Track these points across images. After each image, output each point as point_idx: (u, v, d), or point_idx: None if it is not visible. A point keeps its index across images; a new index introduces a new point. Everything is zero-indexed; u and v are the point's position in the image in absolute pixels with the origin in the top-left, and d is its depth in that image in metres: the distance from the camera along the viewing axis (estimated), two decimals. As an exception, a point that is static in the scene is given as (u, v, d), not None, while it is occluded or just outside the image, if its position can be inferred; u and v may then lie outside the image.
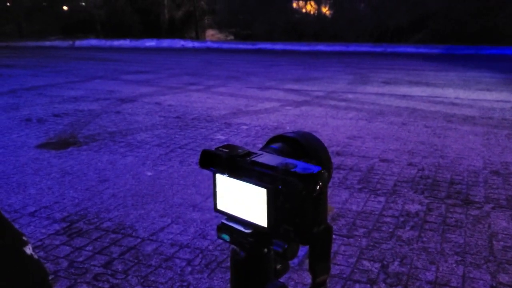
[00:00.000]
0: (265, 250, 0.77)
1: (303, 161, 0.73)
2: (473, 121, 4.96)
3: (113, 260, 2.13)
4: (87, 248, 2.25)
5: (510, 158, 3.65)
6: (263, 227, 0.70)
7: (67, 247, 2.25)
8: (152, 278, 1.99)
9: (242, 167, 0.71)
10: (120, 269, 2.06)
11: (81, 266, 2.09)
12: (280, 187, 0.66)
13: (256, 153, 0.74)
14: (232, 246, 0.79)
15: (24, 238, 0.51)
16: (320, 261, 0.70)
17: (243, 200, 0.72)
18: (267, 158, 0.73)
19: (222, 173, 0.73)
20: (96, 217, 2.57)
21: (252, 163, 0.70)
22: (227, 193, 0.74)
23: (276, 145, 0.77)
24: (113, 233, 2.39)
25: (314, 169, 0.66)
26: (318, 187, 0.65)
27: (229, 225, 0.74)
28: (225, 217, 0.77)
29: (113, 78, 8.02)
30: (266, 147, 0.79)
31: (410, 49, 14.35)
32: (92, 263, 2.12)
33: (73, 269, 2.06)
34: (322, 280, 0.72)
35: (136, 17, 18.59)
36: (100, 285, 1.94)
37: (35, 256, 0.51)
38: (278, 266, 0.81)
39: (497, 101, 6.14)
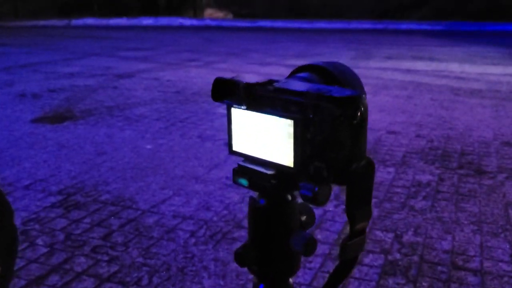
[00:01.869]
0: (289, 197, 0.66)
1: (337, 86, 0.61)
2: (481, 94, 4.83)
3: (112, 232, 2.03)
4: (85, 220, 2.14)
5: (520, 129, 3.54)
6: (288, 167, 0.58)
7: (64, 220, 2.15)
8: (154, 250, 1.89)
9: (263, 97, 0.59)
10: (120, 241, 1.96)
11: (78, 239, 1.98)
12: (311, 116, 0.55)
13: (279, 81, 0.62)
14: (251, 194, 0.68)
15: None
16: (360, 204, 0.59)
17: (265, 137, 0.60)
18: (294, 85, 0.61)
19: (239, 105, 0.61)
20: (94, 190, 2.46)
21: (275, 90, 0.58)
22: (245, 129, 0.62)
23: (302, 74, 0.65)
24: (112, 206, 2.28)
25: (353, 92, 0.54)
26: (359, 112, 0.54)
27: (247, 167, 0.63)
28: (242, 159, 0.65)
29: (110, 55, 7.86)
30: (290, 77, 0.67)
31: (412, 26, 14.12)
32: (90, 235, 2.01)
33: (70, 241, 1.96)
34: (361, 227, 0.61)
35: (133, -4, 18.28)
36: (98, 257, 1.84)
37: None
38: (303, 218, 0.69)
39: (504, 74, 6.00)
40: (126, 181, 2.57)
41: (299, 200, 0.70)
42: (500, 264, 1.74)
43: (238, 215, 2.16)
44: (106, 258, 1.84)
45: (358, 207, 0.59)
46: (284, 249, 0.66)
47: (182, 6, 18.49)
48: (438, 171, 2.67)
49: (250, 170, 0.62)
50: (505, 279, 1.65)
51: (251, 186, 0.63)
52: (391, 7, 15.96)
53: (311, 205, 0.62)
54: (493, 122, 3.77)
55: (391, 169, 2.71)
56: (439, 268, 1.72)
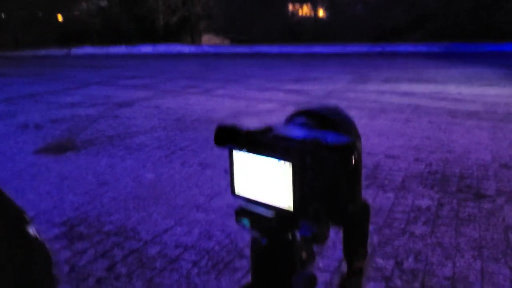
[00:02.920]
0: (290, 236, 0.69)
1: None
2: (478, 116, 4.88)
3: (116, 264, 2.04)
4: (89, 252, 2.16)
5: (518, 151, 3.57)
6: (288, 210, 0.61)
7: (68, 251, 2.16)
8: (158, 281, 1.90)
9: (263, 143, 0.63)
10: (123, 273, 1.97)
11: (83, 271, 2.00)
12: (308, 161, 0.58)
13: (277, 127, 0.65)
14: (253, 233, 0.71)
15: (26, 217, 0.42)
16: (356, 245, 0.62)
17: (265, 180, 0.63)
18: (291, 132, 0.64)
19: (240, 149, 0.64)
20: (97, 221, 2.48)
21: (274, 137, 0.62)
22: (246, 173, 0.65)
23: (299, 119, 0.68)
24: (115, 236, 2.30)
25: (347, 140, 0.58)
26: (353, 158, 0.57)
27: (248, 210, 0.66)
28: (244, 200, 0.68)
29: (110, 84, 7.94)
30: (288, 122, 0.70)
31: (409, 48, 14.30)
32: (94, 267, 2.03)
33: (74, 273, 1.97)
34: (358, 266, 0.64)
35: (131, 24, 18.54)
36: (102, 289, 1.85)
37: (40, 239, 0.42)
38: (304, 255, 0.72)
39: (501, 95, 6.07)
40: (128, 211, 2.59)
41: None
42: (501, 289, 1.76)
43: (239, 244, 2.18)
44: (110, 290, 1.85)
45: (355, 247, 0.61)
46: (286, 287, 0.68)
47: (180, 32, 18.73)
48: (437, 196, 2.70)
49: (252, 212, 0.65)
50: (507, 304, 1.66)
51: (253, 227, 0.66)
52: (386, 30, 16.18)
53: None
54: (491, 144, 3.80)
55: (390, 195, 2.73)
56: (441, 294, 1.73)
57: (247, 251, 2.11)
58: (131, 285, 1.88)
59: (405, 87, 7.04)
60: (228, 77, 8.56)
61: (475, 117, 4.84)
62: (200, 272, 1.95)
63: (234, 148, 0.66)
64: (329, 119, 0.66)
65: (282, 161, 0.60)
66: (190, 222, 2.45)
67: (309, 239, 0.61)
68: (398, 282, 1.82)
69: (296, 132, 0.63)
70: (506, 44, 13.65)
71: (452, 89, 6.67)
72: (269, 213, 0.63)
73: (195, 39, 18.50)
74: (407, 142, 3.88)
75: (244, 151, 0.64)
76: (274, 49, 15.24)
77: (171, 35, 18.18)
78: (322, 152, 0.56)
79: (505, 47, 13.50)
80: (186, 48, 16.22)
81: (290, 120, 0.69)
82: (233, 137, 0.64)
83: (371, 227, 2.29)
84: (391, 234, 2.23)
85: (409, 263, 1.97)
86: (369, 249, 2.12)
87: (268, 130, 0.63)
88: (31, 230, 0.40)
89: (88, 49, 16.25)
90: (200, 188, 2.93)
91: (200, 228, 2.36)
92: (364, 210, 0.59)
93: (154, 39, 17.31)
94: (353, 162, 0.56)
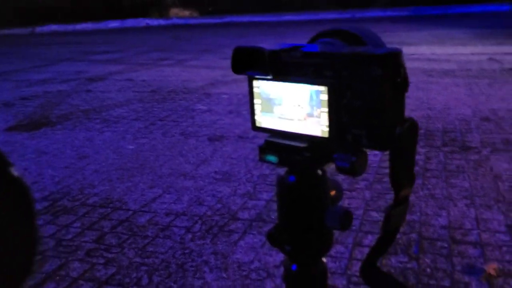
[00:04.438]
0: (320, 171, 0.63)
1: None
2: (453, 74, 4.91)
3: (105, 235, 1.98)
4: (75, 225, 2.09)
5: (496, 105, 3.61)
6: (323, 138, 0.56)
7: (53, 226, 2.08)
8: (151, 249, 1.85)
9: (290, 64, 0.56)
10: (114, 243, 1.91)
11: (70, 244, 1.93)
12: (346, 79, 0.52)
13: (305, 46, 0.59)
14: (279, 171, 0.65)
15: (8, 159, 0.36)
16: (405, 169, 0.57)
17: (294, 108, 0.57)
18: (323, 48, 0.58)
19: (264, 75, 0.58)
20: (81, 193, 2.40)
21: (304, 55, 0.56)
22: (270, 102, 0.59)
23: (326, 39, 0.62)
24: (101, 208, 2.23)
25: (393, 49, 0.52)
26: (401, 70, 0.52)
27: (276, 142, 0.60)
28: (268, 134, 0.63)
29: (79, 60, 7.70)
30: (313, 43, 0.64)
31: (378, 13, 14.27)
32: (82, 239, 1.96)
33: (62, 247, 1.91)
34: (406, 193, 0.59)
35: (97, 0, 17.94)
36: (94, 261, 1.79)
37: (24, 181, 0.36)
38: (332, 192, 0.67)
39: (473, 54, 6.11)
40: (113, 183, 2.51)
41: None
42: (498, 235, 1.77)
43: (232, 207, 2.14)
44: (102, 261, 1.79)
45: (404, 172, 0.56)
46: (317, 227, 0.63)
47: (146, 7, 18.24)
48: (423, 150, 2.70)
49: (280, 145, 0.59)
50: (504, 249, 1.67)
51: (281, 163, 0.60)
52: (356, -4, 16.09)
53: (346, 176, 0.60)
54: (469, 99, 3.83)
55: (377, 152, 2.72)
56: (439, 243, 1.73)
57: (241, 214, 2.07)
58: (123, 254, 1.83)
59: (379, 49, 7.02)
60: (201, 48, 8.40)
61: (451, 75, 4.86)
62: (194, 237, 1.91)
63: (255, 75, 0.59)
64: (360, 37, 0.59)
65: (315, 86, 0.54)
66: (178, 189, 2.39)
67: (347, 170, 0.56)
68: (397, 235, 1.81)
69: (329, 48, 0.57)
70: (474, 6, 13.77)
71: (425, 50, 6.69)
72: (301, 144, 0.57)
73: (163, 13, 18.07)
74: (387, 102, 3.87)
75: (268, 78, 0.58)
76: (245, 18, 15.01)
77: (138, 10, 17.69)
78: (364, 65, 0.50)
79: (472, 8, 13.61)
80: (154, 22, 15.83)
81: (315, 41, 0.63)
82: (253, 61, 0.58)
83: (362, 184, 2.28)
84: (382, 189, 2.22)
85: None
86: (363, 204, 2.10)
87: (295, 48, 0.57)
88: (14, 171, 0.34)
89: (54, 27, 15.70)
90: (185, 157, 2.86)
91: (189, 195, 2.31)
92: (412, 129, 0.54)
93: (121, 15, 16.82)
94: (401, 74, 0.51)
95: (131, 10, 17.37)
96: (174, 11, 18.20)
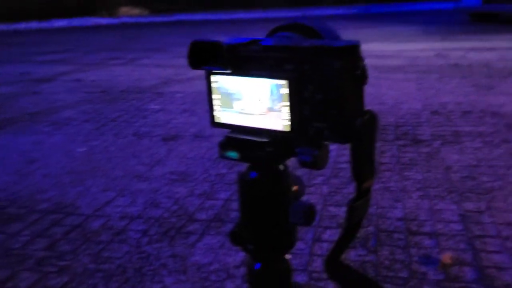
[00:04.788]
0: (282, 166, 0.62)
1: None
2: (403, 69, 5.04)
3: (57, 241, 1.90)
4: (24, 232, 1.99)
5: (445, 98, 3.72)
6: (285, 132, 0.54)
7: (0, 235, 1.98)
8: (106, 254, 1.78)
9: (250, 58, 0.55)
10: (67, 250, 1.83)
11: (20, 253, 1.84)
12: (308, 72, 0.51)
13: (264, 39, 0.58)
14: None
15: None
16: (366, 161, 0.56)
17: (254, 103, 0.56)
18: (282, 41, 0.57)
19: (223, 70, 0.56)
20: (30, 200, 2.29)
21: (264, 48, 0.54)
22: (230, 98, 0.57)
23: (284, 33, 0.61)
24: (53, 214, 2.14)
25: (351, 41, 0.51)
26: (360, 62, 0.51)
27: (236, 138, 0.58)
28: (228, 130, 0.61)
29: (24, 61, 7.40)
30: (271, 37, 0.62)
31: (329, 11, 14.50)
32: (32, 247, 1.87)
33: (10, 257, 1.81)
34: (367, 185, 0.59)
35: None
36: (46, 269, 1.72)
37: None
38: (295, 188, 0.66)
39: (420, 50, 6.30)
40: (64, 187, 2.42)
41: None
42: (451, 224, 1.81)
43: (189, 208, 2.10)
44: (54, 269, 1.72)
45: (365, 164, 0.56)
46: (281, 223, 0.62)
47: (94, 6, 17.78)
48: (377, 144, 2.74)
49: (241, 140, 0.57)
50: (458, 238, 1.72)
51: (242, 158, 0.58)
52: (306, -6, 16.27)
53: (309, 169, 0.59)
54: (419, 93, 3.93)
55: (333, 147, 2.74)
56: (396, 235, 1.76)
57: (199, 215, 2.04)
58: (77, 261, 1.76)
59: (330, 46, 7.12)
60: (152, 47, 8.26)
61: (400, 70, 4.99)
62: (151, 241, 1.86)
63: (213, 70, 0.57)
64: (316, 30, 0.58)
65: (275, 80, 0.52)
66: (132, 192, 2.33)
67: (310, 164, 0.54)
68: (354, 228, 1.82)
69: (289, 41, 0.55)
70: (420, 3, 14.22)
71: (374, 47, 6.83)
72: (262, 139, 0.56)
73: (111, 12, 17.67)
74: (341, 98, 3.92)
75: (227, 72, 0.56)
76: (196, 17, 14.89)
77: (85, 9, 17.21)
78: (324, 58, 0.49)
79: (419, 6, 14.06)
80: (103, 21, 15.46)
81: (273, 35, 0.62)
82: (211, 56, 0.56)
83: (319, 179, 2.29)
84: (339, 183, 2.24)
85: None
86: (321, 199, 2.10)
87: (254, 42, 0.55)
88: None
89: (-7, 27, 15.03)
90: (139, 158, 2.79)
91: (144, 197, 2.25)
92: (372, 121, 0.53)
93: (67, 14, 16.31)
94: (360, 66, 0.50)
95: (78, 9, 16.88)
96: (123, 9, 17.83)
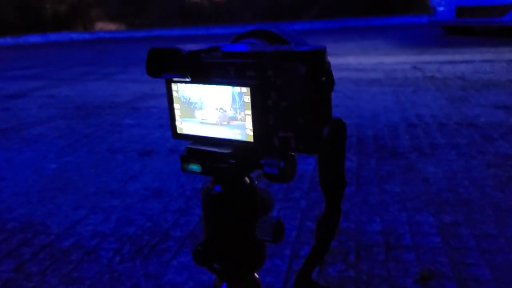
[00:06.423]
0: (247, 179, 0.58)
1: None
2: (380, 82, 5.07)
3: (25, 262, 1.82)
4: (-10, 254, 1.90)
5: (421, 111, 3.74)
6: (248, 142, 0.50)
7: (-36, 257, 1.89)
8: (76, 275, 1.71)
9: (211, 65, 0.51)
10: (35, 271, 1.75)
11: (-16, 275, 1.75)
12: (271, 79, 0.48)
13: (225, 45, 0.54)
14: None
15: None
16: (334, 172, 0.52)
17: (216, 112, 0.52)
18: (245, 47, 0.53)
19: (182, 78, 0.52)
20: (-3, 219, 2.20)
21: (225, 55, 0.50)
22: (191, 107, 0.53)
23: (248, 40, 0.57)
24: (21, 233, 2.05)
25: (316, 46, 0.48)
26: (326, 67, 0.48)
27: (198, 150, 0.54)
28: (191, 141, 0.56)
29: (-4, 76, 7.26)
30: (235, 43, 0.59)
31: (307, 25, 14.62)
32: (-2, 269, 1.78)
33: (-26, 280, 1.72)
34: (337, 199, 0.55)
35: (15, 13, 17.11)
36: (11, 292, 1.63)
37: None
38: (262, 202, 0.62)
39: (397, 63, 6.36)
40: (34, 205, 2.33)
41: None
42: (429, 237, 1.79)
43: (163, 225, 2.03)
44: (20, 292, 1.63)
45: (334, 176, 0.52)
46: (248, 240, 0.58)
47: (70, 21, 17.63)
48: (355, 157, 2.72)
49: (202, 152, 0.53)
50: (436, 250, 1.69)
51: (205, 172, 0.54)
52: (283, 9, 16.42)
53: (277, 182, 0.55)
54: (396, 106, 3.95)
55: (311, 160, 2.72)
56: (375, 249, 1.72)
57: (173, 232, 1.98)
58: (46, 283, 1.68)
59: (308, 60, 7.15)
60: (128, 62, 8.19)
61: (378, 84, 5.01)
62: (123, 259, 1.79)
63: (173, 78, 0.53)
64: (281, 36, 0.55)
65: (237, 87, 0.49)
66: (105, 209, 2.25)
67: (276, 177, 0.50)
68: (333, 243, 1.78)
69: (251, 47, 0.52)
70: (395, 17, 14.46)
71: (352, 60, 6.89)
72: (225, 150, 0.52)
73: (87, 27, 17.54)
74: (318, 111, 3.91)
75: (187, 80, 0.52)
76: (173, 32, 14.86)
77: (61, 24, 17.05)
78: (288, 63, 0.45)
79: (394, 20, 14.29)
80: (79, 36, 15.32)
81: (236, 42, 0.58)
82: (171, 63, 0.52)
83: (297, 193, 2.26)
84: (318, 197, 2.20)
85: (340, 222, 1.94)
86: (298, 214, 2.06)
87: (215, 48, 0.51)
88: None
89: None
90: (112, 174, 2.72)
91: (117, 214, 2.18)
92: (340, 130, 0.50)
93: (42, 29, 16.13)
94: (326, 72, 0.46)
95: (54, 24, 16.71)
96: (99, 24, 17.72)
